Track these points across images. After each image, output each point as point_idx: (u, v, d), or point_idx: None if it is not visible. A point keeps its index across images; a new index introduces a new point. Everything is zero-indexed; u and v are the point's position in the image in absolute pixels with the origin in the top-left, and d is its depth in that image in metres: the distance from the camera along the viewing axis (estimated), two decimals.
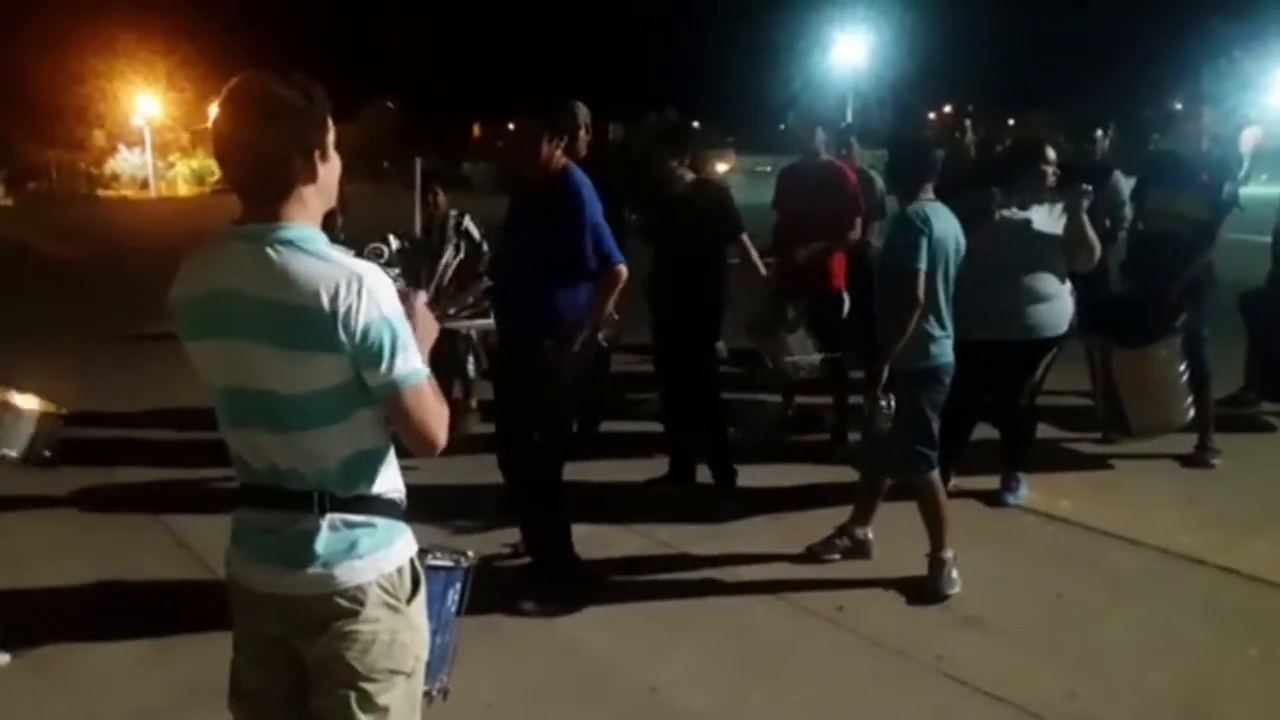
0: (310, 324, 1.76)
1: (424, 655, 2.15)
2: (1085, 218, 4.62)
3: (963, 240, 3.99)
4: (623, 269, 3.63)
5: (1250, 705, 3.31)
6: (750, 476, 5.15)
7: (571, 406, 3.95)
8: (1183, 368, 5.28)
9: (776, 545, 4.44)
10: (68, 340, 8.68)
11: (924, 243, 3.81)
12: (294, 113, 1.81)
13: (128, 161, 51.76)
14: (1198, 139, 5.46)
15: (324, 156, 1.88)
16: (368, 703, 2.00)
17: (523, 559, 4.18)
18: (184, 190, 51.20)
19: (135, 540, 4.49)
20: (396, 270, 2.84)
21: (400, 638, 2.02)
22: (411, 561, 2.06)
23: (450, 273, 2.51)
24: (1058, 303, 4.79)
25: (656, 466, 5.31)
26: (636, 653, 3.61)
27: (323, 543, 1.91)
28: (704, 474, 5.15)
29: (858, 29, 24.56)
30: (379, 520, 1.97)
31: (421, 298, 2.12)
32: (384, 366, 1.81)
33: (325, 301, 1.75)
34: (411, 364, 1.85)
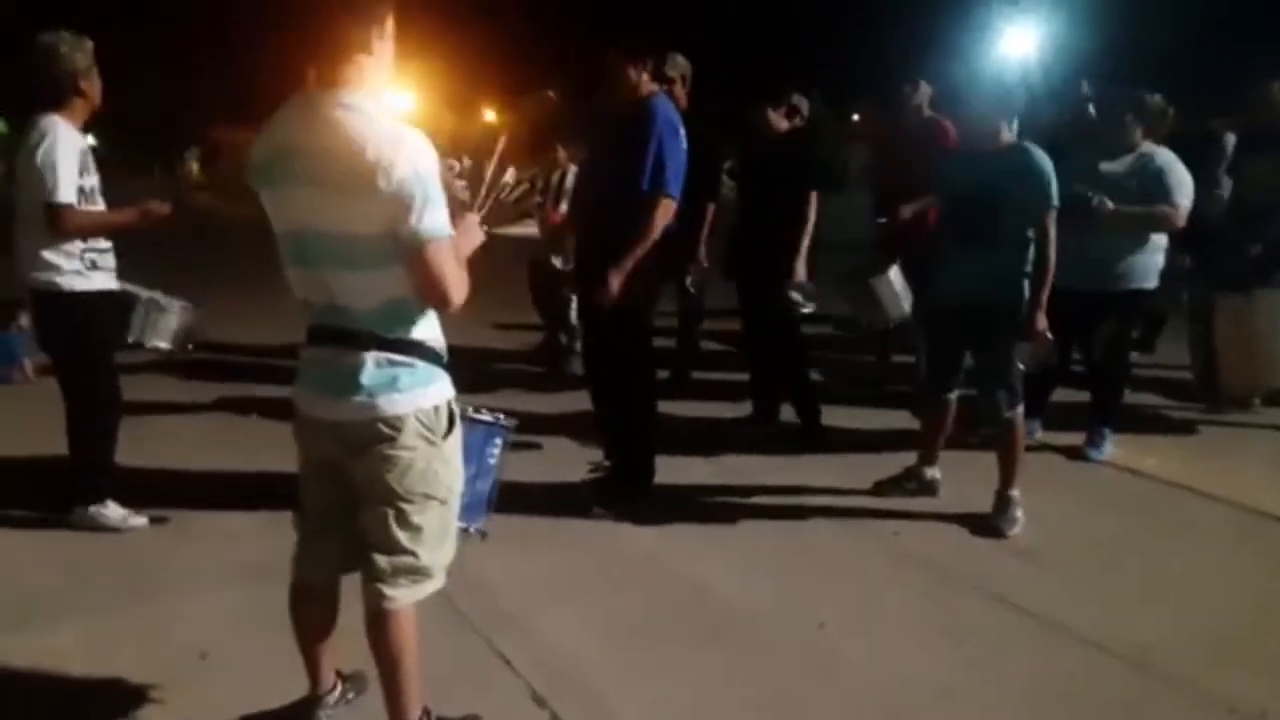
0: (356, 173, 2.08)
1: (457, 488, 2.46)
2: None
3: None
4: (669, 202, 3.75)
5: None
6: (838, 418, 5.30)
7: (644, 323, 4.17)
8: None
9: (847, 482, 4.54)
10: (230, 284, 9.44)
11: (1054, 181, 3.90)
12: None
13: None
14: None
15: (381, 35, 2.23)
16: (404, 520, 2.33)
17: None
18: None
19: (264, 439, 4.94)
20: (464, 183, 3.12)
21: (434, 467, 2.34)
22: (449, 404, 2.38)
23: (511, 191, 2.80)
24: (1148, 256, 4.82)
25: (742, 409, 5.51)
26: (685, 554, 3.82)
27: (368, 375, 2.24)
28: (789, 414, 5.32)
29: (1028, 20, 23.78)
30: (419, 362, 2.30)
31: (473, 216, 2.47)
32: (413, 218, 2.10)
33: (370, 155, 2.07)
34: (437, 222, 2.14)
